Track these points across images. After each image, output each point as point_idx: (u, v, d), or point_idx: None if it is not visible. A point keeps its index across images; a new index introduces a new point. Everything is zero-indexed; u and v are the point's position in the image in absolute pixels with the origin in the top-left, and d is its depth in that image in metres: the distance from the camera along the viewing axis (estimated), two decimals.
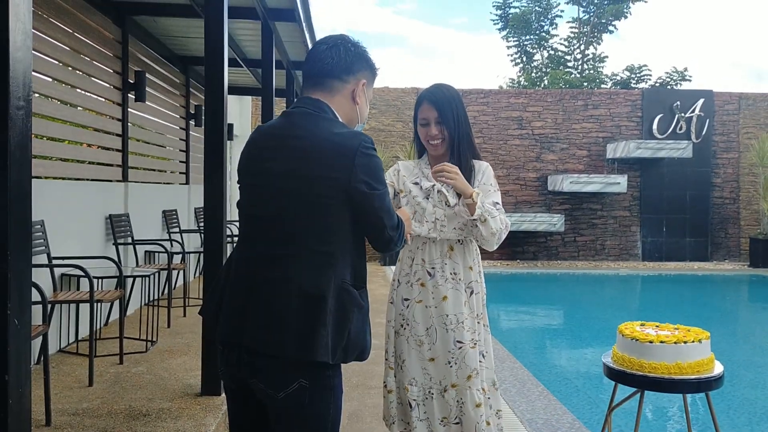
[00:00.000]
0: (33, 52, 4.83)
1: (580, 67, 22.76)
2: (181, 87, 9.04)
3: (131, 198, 6.83)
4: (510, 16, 23.50)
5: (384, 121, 14.22)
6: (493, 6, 23.67)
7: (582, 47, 22.76)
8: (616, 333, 2.89)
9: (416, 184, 2.90)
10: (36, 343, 4.04)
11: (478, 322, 2.82)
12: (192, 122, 9.30)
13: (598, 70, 22.45)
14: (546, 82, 22.58)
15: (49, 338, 4.78)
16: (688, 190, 14.32)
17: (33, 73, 4.88)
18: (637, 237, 14.39)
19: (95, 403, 3.98)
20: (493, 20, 23.95)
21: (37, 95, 5.05)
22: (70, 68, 5.56)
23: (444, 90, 2.87)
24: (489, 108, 14.29)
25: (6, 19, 1.42)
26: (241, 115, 13.64)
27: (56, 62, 5.28)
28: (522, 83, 23.87)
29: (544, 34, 23.57)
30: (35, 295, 3.99)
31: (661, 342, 2.56)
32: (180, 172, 9.12)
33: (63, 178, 5.44)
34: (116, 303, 6.02)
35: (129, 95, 6.79)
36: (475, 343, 2.78)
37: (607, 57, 23.00)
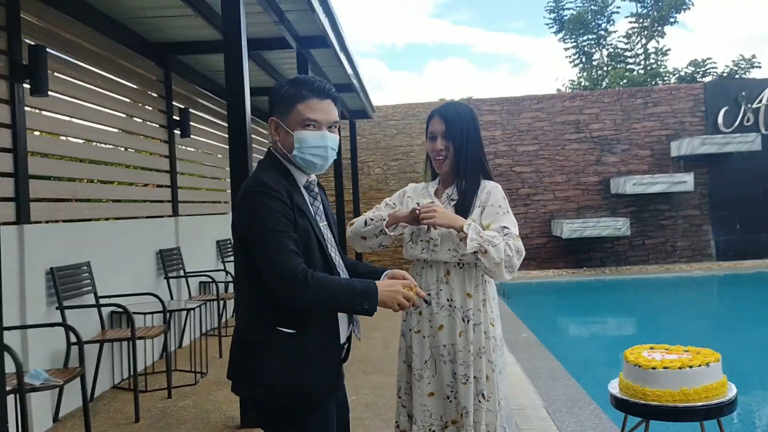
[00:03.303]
0: (78, 101, 5.06)
1: (642, 62, 22.10)
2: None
3: (182, 231, 7.00)
4: (565, 18, 23.09)
5: None
6: (546, 10, 23.32)
7: (643, 42, 22.10)
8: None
9: (418, 203, 2.76)
10: (75, 385, 4.12)
11: (479, 357, 2.56)
12: None
13: (662, 64, 21.73)
14: (607, 81, 22.00)
15: (99, 376, 4.95)
16: (759, 184, 13.58)
17: (79, 121, 5.11)
18: (710, 236, 13.74)
19: None
20: (548, 24, 23.60)
21: (82, 141, 5.26)
22: (117, 113, 5.76)
23: (456, 106, 2.78)
24: (543, 114, 14.00)
25: None
26: None
27: (102, 109, 5.47)
28: (583, 84, 23.35)
29: (602, 32, 23.03)
30: (52, 341, 4.13)
31: (665, 368, 2.39)
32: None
33: (114, 218, 5.64)
34: (171, 336, 6.16)
35: (175, 131, 6.99)
36: (467, 379, 2.55)
37: (669, 50, 22.15)
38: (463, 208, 2.65)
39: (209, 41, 6.57)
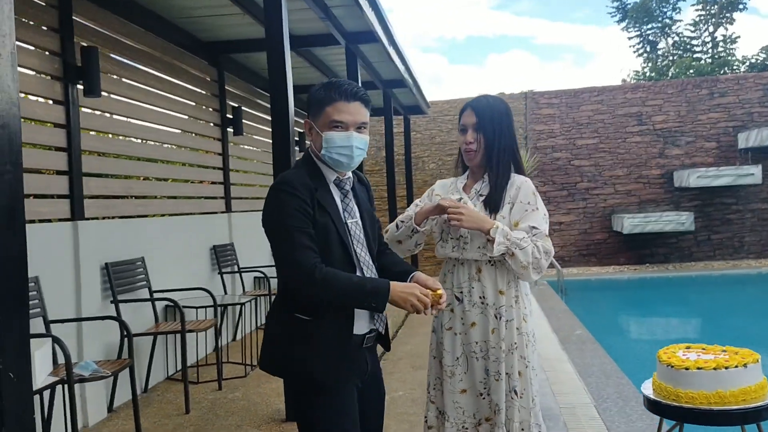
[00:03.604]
0: (132, 101, 5.20)
1: (710, 51, 21.30)
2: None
3: (235, 227, 7.13)
4: (628, 6, 22.47)
5: None
6: None
7: (710, 29, 21.31)
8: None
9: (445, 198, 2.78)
10: (125, 376, 4.24)
11: (511, 353, 2.54)
12: (296, 149, 9.58)
13: (730, 52, 20.89)
14: (673, 71, 21.30)
15: (153, 368, 5.09)
16: None
17: (133, 120, 5.25)
18: None
19: (188, 430, 4.16)
20: (610, 12, 23.01)
21: (136, 140, 5.41)
22: (171, 112, 5.91)
23: (489, 99, 2.74)
24: (604, 106, 13.65)
25: None
26: None
27: (156, 108, 5.62)
28: (647, 75, 22.68)
29: (667, 20, 22.32)
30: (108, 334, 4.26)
31: (699, 368, 2.26)
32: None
33: (169, 215, 5.78)
34: (225, 329, 6.28)
35: (228, 130, 7.11)
36: (499, 377, 2.53)
37: (739, 37, 21.30)
38: (492, 203, 2.62)
39: (258, 39, 6.64)
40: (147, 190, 5.47)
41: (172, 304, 5.16)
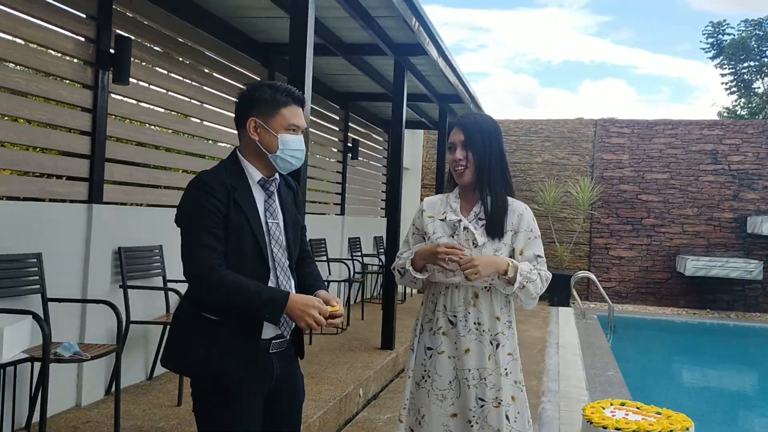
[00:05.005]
0: (170, 93, 5.29)
1: None
2: (340, 123, 9.39)
3: None
4: (724, 42, 21.57)
5: (558, 155, 13.60)
6: (704, 34, 21.91)
7: None
8: None
9: (442, 219, 2.70)
10: (137, 362, 4.30)
11: (505, 378, 2.55)
12: (349, 155, 9.60)
13: None
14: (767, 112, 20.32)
15: (160, 357, 5.14)
16: None
17: (166, 111, 5.33)
18: None
19: (173, 422, 4.16)
20: (704, 48, 22.16)
21: (168, 131, 5.50)
22: (212, 107, 6.00)
23: (477, 117, 2.76)
24: (678, 140, 13.08)
25: None
26: (413, 147, 13.86)
27: (198, 103, 5.72)
28: (738, 113, 21.71)
29: (765, 59, 21.30)
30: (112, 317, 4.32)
31: (617, 429, 2.06)
32: (334, 203, 9.45)
33: None
34: None
35: None
36: (499, 403, 2.53)
37: None
38: (494, 228, 2.61)
39: (317, 44, 6.65)
40: (177, 182, 5.55)
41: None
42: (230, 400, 2.07)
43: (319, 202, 9.09)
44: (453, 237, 2.63)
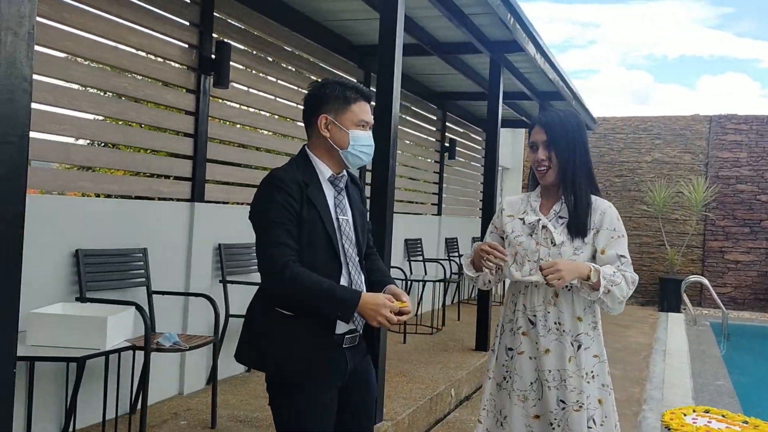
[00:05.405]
0: (268, 96, 5.48)
1: None
2: (437, 122, 9.38)
3: None
4: None
5: (669, 153, 12.96)
6: None
7: None
8: None
9: (521, 219, 2.65)
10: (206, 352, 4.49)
11: (589, 382, 2.47)
12: (446, 155, 9.57)
13: None
14: None
15: None
16: None
17: (267, 114, 5.53)
18: None
19: (266, 413, 4.30)
20: None
21: (267, 133, 5.67)
22: None
23: (559, 113, 2.65)
24: None
25: None
26: (514, 147, 13.65)
27: (295, 105, 5.89)
28: None
29: None
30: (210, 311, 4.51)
31: None
32: (432, 203, 9.45)
33: None
34: None
35: None
36: (580, 406, 2.44)
37: None
38: (577, 227, 2.54)
39: (409, 44, 6.69)
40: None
41: None
42: (304, 394, 2.10)
43: (416, 202, 9.12)
44: (531, 236, 2.58)
